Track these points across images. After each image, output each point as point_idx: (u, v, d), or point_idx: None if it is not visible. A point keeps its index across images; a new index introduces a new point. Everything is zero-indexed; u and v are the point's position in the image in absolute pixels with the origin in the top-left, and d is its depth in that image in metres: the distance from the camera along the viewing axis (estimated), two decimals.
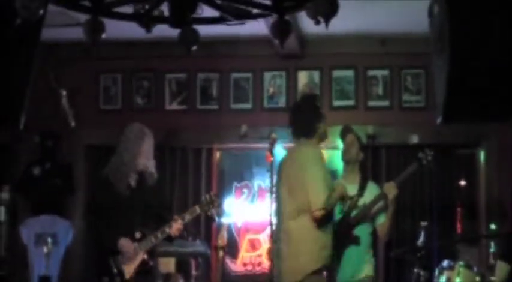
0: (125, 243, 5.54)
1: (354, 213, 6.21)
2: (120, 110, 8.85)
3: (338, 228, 6.12)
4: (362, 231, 6.20)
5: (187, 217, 5.71)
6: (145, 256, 5.58)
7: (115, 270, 5.49)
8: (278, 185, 5.91)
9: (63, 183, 8.46)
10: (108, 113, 8.84)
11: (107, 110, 8.89)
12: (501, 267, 6.03)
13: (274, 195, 5.94)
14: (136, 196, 5.73)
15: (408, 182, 7.24)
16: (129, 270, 5.51)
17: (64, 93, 8.45)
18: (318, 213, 5.58)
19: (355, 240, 6.15)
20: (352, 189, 6.28)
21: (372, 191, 6.31)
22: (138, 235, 5.59)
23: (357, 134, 6.44)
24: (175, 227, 5.64)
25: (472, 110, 4.62)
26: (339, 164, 6.72)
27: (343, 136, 6.43)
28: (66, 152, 8.64)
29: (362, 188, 6.30)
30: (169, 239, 5.82)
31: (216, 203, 5.79)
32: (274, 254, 5.82)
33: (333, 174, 6.74)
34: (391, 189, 6.11)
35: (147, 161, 5.77)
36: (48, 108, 8.36)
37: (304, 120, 5.90)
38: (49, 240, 7.66)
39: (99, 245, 5.79)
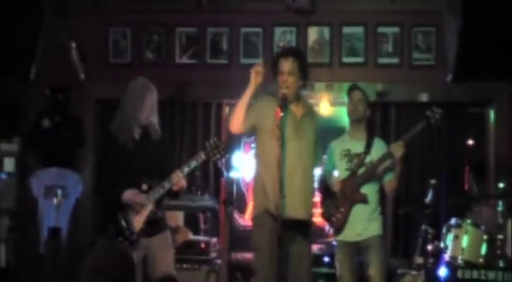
0: (133, 193, 5.55)
1: (360, 171, 6.22)
2: (129, 63, 8.84)
3: (345, 186, 6.15)
4: (369, 189, 6.20)
5: (193, 163, 5.68)
6: (154, 207, 5.59)
7: (124, 223, 5.52)
8: None
9: (72, 136, 8.47)
10: (118, 66, 8.83)
11: (116, 63, 8.88)
12: None
13: None
14: (140, 149, 5.70)
15: (417, 140, 7.25)
16: (138, 221, 5.54)
17: (74, 46, 8.45)
18: None
19: (363, 199, 6.17)
20: (359, 146, 6.28)
21: (379, 147, 6.30)
22: (144, 187, 5.58)
23: (364, 91, 6.42)
24: (179, 175, 5.62)
25: (483, 68, 4.62)
26: (345, 121, 6.72)
27: (350, 94, 6.41)
28: (76, 105, 8.65)
29: (369, 146, 6.29)
30: (175, 195, 5.81)
31: (220, 147, 5.73)
32: None
33: (339, 130, 6.76)
34: (397, 148, 6.09)
35: (150, 117, 5.73)
36: (58, 61, 8.37)
37: None
38: (59, 192, 7.71)
39: (106, 199, 5.78)
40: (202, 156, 5.69)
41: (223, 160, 5.91)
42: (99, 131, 8.54)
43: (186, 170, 5.62)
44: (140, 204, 5.54)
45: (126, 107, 5.67)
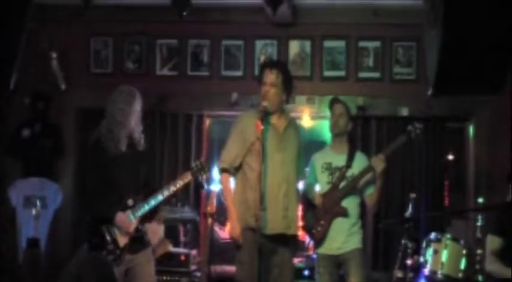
0: (120, 217, 5.51)
1: (342, 185, 6.22)
2: (110, 73, 8.82)
3: (326, 200, 6.15)
4: (350, 203, 6.20)
5: (179, 183, 5.68)
6: (138, 223, 5.56)
7: (108, 237, 5.48)
8: None
9: (52, 145, 8.45)
10: (99, 76, 8.81)
11: (97, 73, 8.86)
12: (492, 240, 6.05)
13: None
14: (127, 161, 5.67)
15: (397, 154, 7.27)
16: (123, 238, 5.50)
17: (54, 55, 8.42)
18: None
19: (343, 212, 6.17)
20: (340, 160, 6.28)
21: (360, 161, 6.31)
22: (130, 202, 5.55)
23: (345, 104, 6.43)
24: (168, 193, 5.61)
25: (463, 83, 4.63)
26: (327, 134, 6.73)
27: (331, 107, 6.42)
28: (56, 115, 8.61)
29: (350, 159, 6.30)
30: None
31: (206, 169, 5.77)
32: None
33: (321, 144, 6.78)
34: (378, 162, 6.10)
35: (136, 125, 5.72)
36: (39, 70, 8.35)
37: None
38: (38, 202, 7.67)
39: (90, 213, 5.72)
40: (188, 176, 5.70)
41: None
42: (80, 140, 8.49)
43: (172, 189, 5.61)
44: (126, 231, 5.53)
45: (116, 114, 5.61)
